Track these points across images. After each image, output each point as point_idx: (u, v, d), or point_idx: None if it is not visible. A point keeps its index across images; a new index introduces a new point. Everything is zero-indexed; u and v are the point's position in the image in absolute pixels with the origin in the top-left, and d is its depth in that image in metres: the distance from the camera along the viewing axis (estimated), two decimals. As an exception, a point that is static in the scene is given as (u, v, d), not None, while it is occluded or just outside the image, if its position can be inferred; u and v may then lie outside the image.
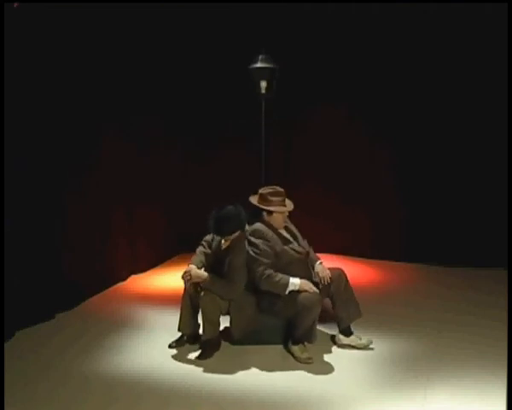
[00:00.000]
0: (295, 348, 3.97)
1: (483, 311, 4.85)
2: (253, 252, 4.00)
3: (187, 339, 4.20)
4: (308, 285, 3.94)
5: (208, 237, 4.27)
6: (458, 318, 4.72)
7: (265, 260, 3.97)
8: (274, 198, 4.07)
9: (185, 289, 4.13)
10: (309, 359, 3.90)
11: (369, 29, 6.42)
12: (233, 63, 6.22)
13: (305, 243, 4.34)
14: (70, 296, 5.00)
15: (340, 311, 4.14)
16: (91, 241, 5.45)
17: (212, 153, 7.16)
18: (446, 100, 6.29)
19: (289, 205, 4.16)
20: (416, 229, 6.61)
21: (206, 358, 3.95)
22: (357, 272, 6.18)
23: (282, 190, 4.15)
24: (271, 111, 5.83)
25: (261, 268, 3.95)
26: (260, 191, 4.16)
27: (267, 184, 5.30)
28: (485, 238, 6.26)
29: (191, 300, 4.11)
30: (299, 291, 3.90)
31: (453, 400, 3.34)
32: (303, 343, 4.00)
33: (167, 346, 4.14)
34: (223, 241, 4.09)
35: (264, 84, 5.44)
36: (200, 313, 4.12)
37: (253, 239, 4.04)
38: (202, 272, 4.02)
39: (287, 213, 4.18)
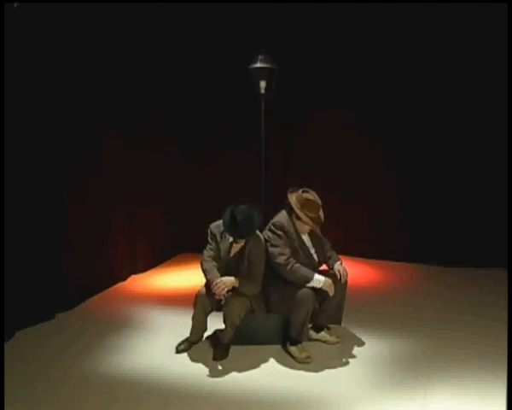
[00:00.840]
0: (293, 349, 3.98)
1: (483, 311, 4.85)
2: (275, 241, 4.01)
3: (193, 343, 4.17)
4: (330, 288, 3.94)
5: (212, 247, 4.06)
6: (458, 318, 4.72)
7: (287, 250, 3.99)
8: (309, 206, 4.03)
9: (196, 298, 4.01)
10: (307, 358, 3.90)
11: (369, 29, 6.42)
12: (233, 63, 6.21)
13: (327, 247, 4.35)
14: (70, 296, 5.00)
15: (326, 309, 4.16)
16: (91, 241, 5.45)
17: (212, 153, 7.17)
18: (446, 100, 6.29)
19: (321, 219, 4.12)
20: (416, 229, 6.61)
21: (221, 359, 3.95)
22: (357, 272, 6.19)
23: (319, 202, 4.09)
24: (271, 111, 5.83)
25: (284, 257, 3.96)
26: (301, 192, 4.11)
27: (266, 184, 5.30)
28: (485, 238, 6.26)
29: (204, 309, 4.02)
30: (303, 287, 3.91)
31: (453, 400, 3.34)
32: (300, 343, 4.00)
33: (175, 350, 4.08)
34: (234, 244, 4.01)
35: (263, 84, 5.43)
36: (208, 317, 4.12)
37: (274, 229, 4.04)
38: (231, 278, 3.88)
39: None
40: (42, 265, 4.71)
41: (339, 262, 4.27)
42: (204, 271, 4.02)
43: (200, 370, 3.80)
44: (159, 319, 4.78)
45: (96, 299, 5.34)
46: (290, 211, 4.09)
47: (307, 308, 3.90)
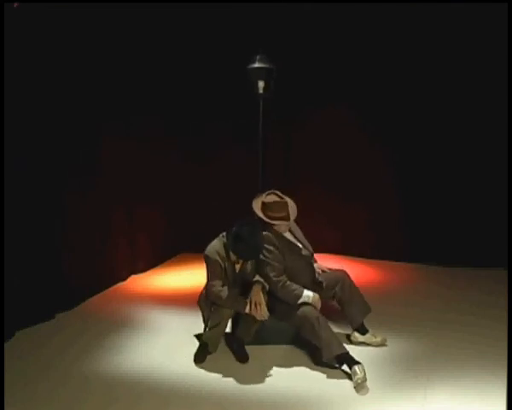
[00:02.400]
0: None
1: (483, 311, 4.85)
2: (266, 258, 3.97)
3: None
4: (318, 303, 3.93)
5: (217, 274, 3.83)
6: (458, 318, 4.72)
7: (278, 266, 3.97)
8: (271, 207, 4.00)
9: (223, 312, 3.83)
10: (363, 380, 3.50)
11: (368, 28, 6.42)
12: (231, 63, 6.21)
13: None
14: (70, 296, 5.00)
15: (350, 311, 4.15)
16: (91, 241, 5.45)
17: (212, 153, 7.17)
18: (446, 100, 6.30)
19: (293, 213, 4.09)
20: (416, 229, 6.61)
21: (248, 359, 3.94)
22: (357, 272, 6.17)
23: (284, 200, 4.05)
24: (270, 111, 5.83)
25: (275, 273, 3.95)
26: (263, 200, 4.06)
27: (266, 184, 5.28)
28: (485, 238, 6.26)
29: (228, 320, 3.95)
30: (299, 306, 3.90)
31: (453, 400, 3.34)
32: (356, 364, 3.60)
33: (195, 362, 3.90)
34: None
35: (261, 84, 5.44)
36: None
37: (264, 245, 3.99)
38: (259, 295, 3.80)
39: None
40: (42, 265, 4.71)
41: (316, 265, 4.29)
42: (226, 300, 3.77)
43: (200, 370, 3.80)
44: (159, 319, 4.78)
45: (95, 299, 5.34)
46: (260, 219, 4.05)
47: (312, 322, 3.77)
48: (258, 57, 5.36)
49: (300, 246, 4.19)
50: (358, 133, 6.73)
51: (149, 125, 6.32)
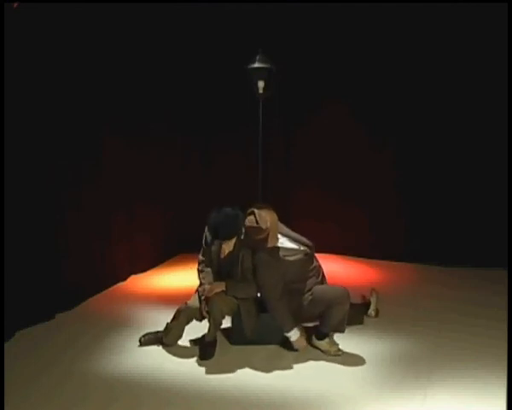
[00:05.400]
0: (322, 343, 4.00)
1: (483, 311, 4.85)
2: (267, 284, 3.99)
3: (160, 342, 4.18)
4: (300, 347, 4.00)
5: (204, 248, 4.20)
6: (458, 318, 4.72)
7: (277, 292, 3.98)
8: (253, 233, 3.98)
9: (182, 309, 4.09)
10: (338, 350, 3.97)
11: (369, 29, 6.43)
12: (232, 63, 6.22)
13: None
14: (70, 296, 4.99)
15: (331, 317, 4.04)
16: (91, 241, 5.45)
17: (212, 153, 7.18)
18: (447, 100, 6.30)
19: (272, 227, 4.03)
20: (416, 229, 6.61)
21: (210, 357, 3.96)
22: (357, 272, 6.19)
23: (258, 226, 3.97)
24: (271, 111, 5.83)
25: (274, 297, 3.99)
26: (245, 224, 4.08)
27: (266, 184, 5.28)
28: (485, 238, 6.26)
29: (188, 320, 4.09)
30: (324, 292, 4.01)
31: (453, 400, 3.34)
32: (331, 336, 4.04)
33: (138, 341, 4.15)
34: (223, 245, 4.07)
35: (261, 84, 5.44)
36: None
37: (262, 271, 3.99)
38: (220, 282, 4.00)
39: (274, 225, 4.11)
40: (42, 265, 4.71)
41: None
42: (198, 272, 4.19)
43: (200, 370, 3.80)
44: (159, 319, 4.76)
45: (95, 299, 5.34)
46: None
47: (346, 308, 3.97)
48: (258, 57, 5.36)
49: (296, 247, 4.18)
50: (359, 133, 6.73)
51: (150, 126, 6.32)
